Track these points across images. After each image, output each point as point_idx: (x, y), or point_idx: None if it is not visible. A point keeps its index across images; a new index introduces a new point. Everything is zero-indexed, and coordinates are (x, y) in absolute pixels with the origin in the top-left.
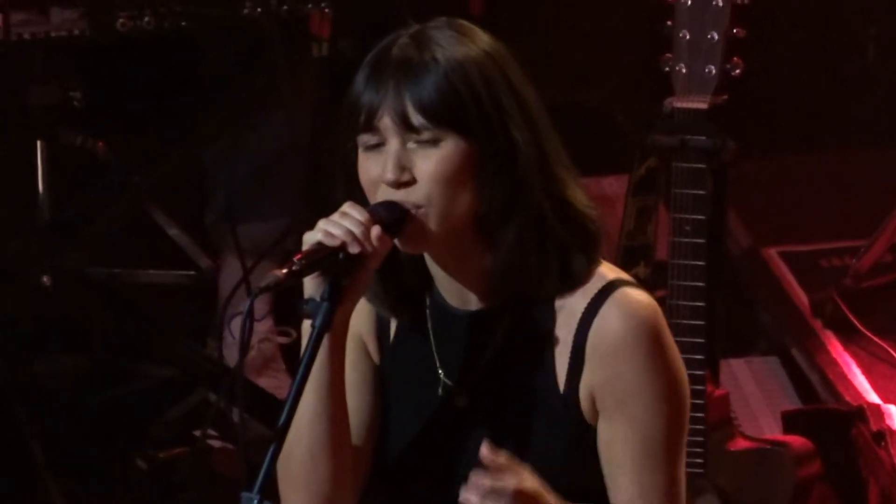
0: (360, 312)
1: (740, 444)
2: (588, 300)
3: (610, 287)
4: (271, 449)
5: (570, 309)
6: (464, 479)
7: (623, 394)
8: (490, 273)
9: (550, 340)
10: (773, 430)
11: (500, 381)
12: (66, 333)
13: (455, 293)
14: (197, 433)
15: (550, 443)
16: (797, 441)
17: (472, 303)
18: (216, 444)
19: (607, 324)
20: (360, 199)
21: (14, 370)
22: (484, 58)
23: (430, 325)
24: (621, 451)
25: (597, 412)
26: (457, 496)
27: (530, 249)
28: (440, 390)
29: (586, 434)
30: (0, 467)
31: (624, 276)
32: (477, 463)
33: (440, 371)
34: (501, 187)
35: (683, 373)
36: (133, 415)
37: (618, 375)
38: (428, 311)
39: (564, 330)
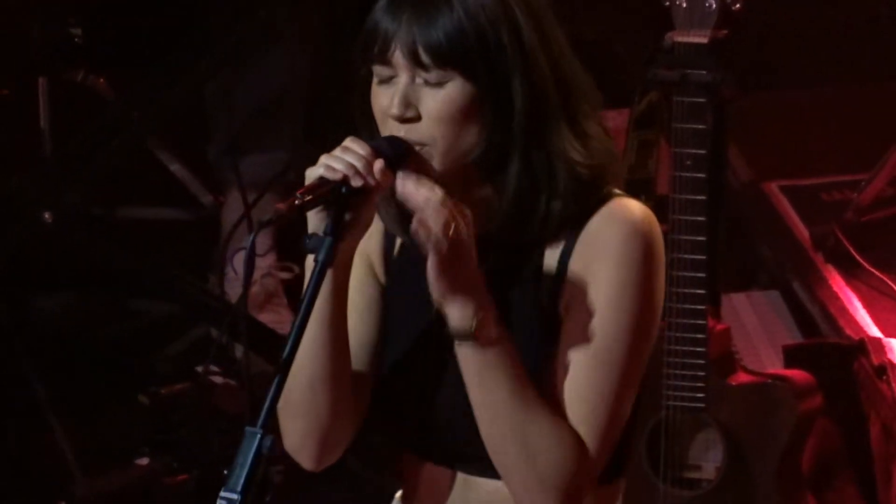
0: (371, 233)
1: (742, 378)
2: (583, 212)
3: (605, 197)
4: (274, 383)
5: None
6: (455, 401)
7: (583, 292)
8: (491, 204)
9: (542, 257)
10: (774, 365)
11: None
12: (68, 270)
13: None
14: (199, 369)
15: (542, 363)
16: (798, 375)
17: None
18: (218, 380)
19: (594, 228)
20: (375, 127)
21: (15, 307)
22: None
23: None
24: (558, 354)
25: None
26: (448, 421)
27: (528, 196)
28: (434, 313)
29: None
30: (2, 405)
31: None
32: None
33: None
34: (501, 132)
35: (659, 300)
36: (135, 351)
37: (587, 273)
38: None
39: (556, 245)
